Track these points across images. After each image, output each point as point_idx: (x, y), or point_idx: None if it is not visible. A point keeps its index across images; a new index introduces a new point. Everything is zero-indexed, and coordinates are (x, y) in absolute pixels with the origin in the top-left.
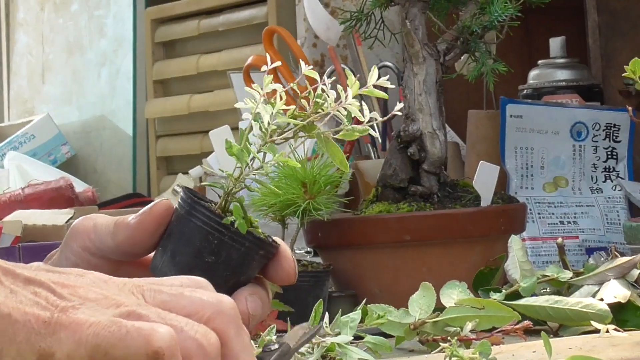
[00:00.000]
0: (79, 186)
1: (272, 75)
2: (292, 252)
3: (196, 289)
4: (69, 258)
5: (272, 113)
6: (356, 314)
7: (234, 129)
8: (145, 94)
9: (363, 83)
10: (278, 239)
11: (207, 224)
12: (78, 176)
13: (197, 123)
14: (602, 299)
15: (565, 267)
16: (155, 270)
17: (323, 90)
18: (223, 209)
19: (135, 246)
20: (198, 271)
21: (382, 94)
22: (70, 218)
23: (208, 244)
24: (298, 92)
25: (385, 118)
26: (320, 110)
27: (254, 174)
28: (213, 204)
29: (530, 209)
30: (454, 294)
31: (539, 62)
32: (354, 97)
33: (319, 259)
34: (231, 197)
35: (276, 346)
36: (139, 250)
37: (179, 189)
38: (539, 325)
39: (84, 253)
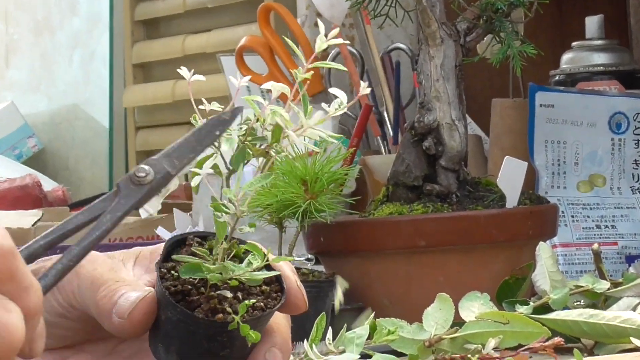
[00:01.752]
0: (48, 184)
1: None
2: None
3: None
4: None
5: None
6: (363, 329)
7: None
8: (124, 80)
9: (372, 68)
10: (282, 265)
11: (210, 328)
12: (46, 173)
13: (183, 113)
14: None
15: (602, 276)
16: None
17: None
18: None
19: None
20: None
21: (331, 137)
22: (38, 220)
23: (218, 343)
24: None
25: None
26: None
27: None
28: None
29: (562, 211)
30: (475, 307)
31: (573, 44)
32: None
33: (321, 267)
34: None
35: (150, 177)
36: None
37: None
38: (572, 343)
39: (72, 310)
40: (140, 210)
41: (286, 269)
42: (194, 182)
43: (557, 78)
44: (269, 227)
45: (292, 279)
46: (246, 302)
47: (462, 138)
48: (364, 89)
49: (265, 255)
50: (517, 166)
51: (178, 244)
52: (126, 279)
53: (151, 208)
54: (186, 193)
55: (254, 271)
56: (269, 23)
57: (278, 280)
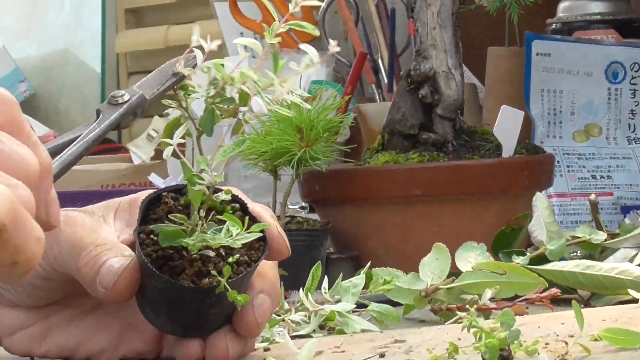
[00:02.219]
0: (39, 129)
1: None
2: (285, 208)
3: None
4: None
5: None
6: (359, 279)
7: None
8: (116, 25)
9: (367, 15)
10: (260, 209)
11: (197, 294)
12: (38, 118)
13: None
14: None
15: (599, 227)
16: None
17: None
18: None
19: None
20: (204, 323)
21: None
22: None
23: (207, 304)
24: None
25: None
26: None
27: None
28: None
29: (558, 161)
30: (471, 257)
31: None
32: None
33: (315, 216)
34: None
35: (126, 97)
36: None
37: (154, 134)
38: (568, 294)
39: (56, 273)
40: (133, 157)
41: (266, 215)
42: (166, 153)
43: (553, 27)
44: (263, 175)
45: (274, 226)
46: (230, 259)
47: (458, 87)
48: (333, 47)
49: (242, 224)
50: (514, 115)
51: (153, 202)
52: (107, 241)
53: (144, 154)
54: None
55: (235, 237)
56: None
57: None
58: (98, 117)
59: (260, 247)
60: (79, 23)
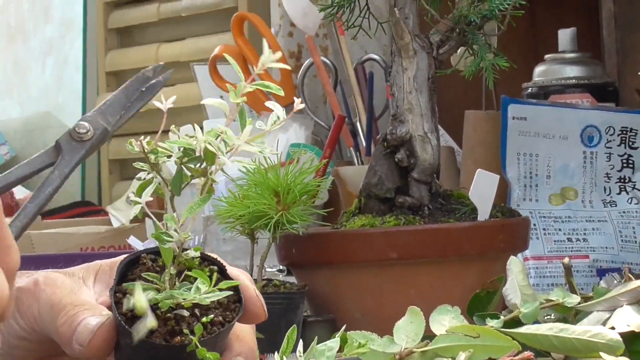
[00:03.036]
0: (19, 192)
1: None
2: (263, 271)
3: None
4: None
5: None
6: (334, 342)
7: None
8: (97, 87)
9: (345, 78)
10: (237, 272)
11: (169, 352)
12: None
13: (155, 122)
14: (613, 328)
15: (573, 290)
16: None
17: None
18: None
19: None
20: None
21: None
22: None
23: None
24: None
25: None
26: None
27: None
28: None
29: (534, 224)
30: (446, 320)
31: (546, 56)
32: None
33: (292, 279)
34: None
35: (89, 133)
36: None
37: (134, 198)
38: (542, 357)
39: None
40: (112, 220)
41: (244, 278)
42: (134, 211)
43: (529, 91)
44: (241, 238)
45: (251, 289)
46: (204, 319)
47: (434, 150)
48: (298, 104)
49: (211, 281)
50: (489, 179)
51: (132, 264)
52: (85, 302)
53: (123, 218)
54: (158, 203)
55: (204, 294)
56: (242, 32)
57: (236, 289)
58: (58, 151)
59: (235, 309)
60: (60, 85)
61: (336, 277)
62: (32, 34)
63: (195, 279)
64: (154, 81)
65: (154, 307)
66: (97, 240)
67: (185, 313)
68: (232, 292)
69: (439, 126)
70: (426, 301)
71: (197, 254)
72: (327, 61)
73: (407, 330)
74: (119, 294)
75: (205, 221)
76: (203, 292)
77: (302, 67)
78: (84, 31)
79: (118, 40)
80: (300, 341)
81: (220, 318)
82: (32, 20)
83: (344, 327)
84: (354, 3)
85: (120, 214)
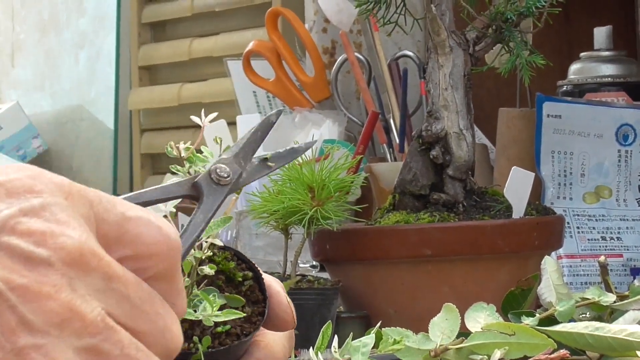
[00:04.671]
0: None
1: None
2: (296, 267)
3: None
4: None
5: None
6: (369, 338)
7: (231, 123)
8: (129, 82)
9: (379, 75)
10: (270, 279)
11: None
12: None
13: (189, 116)
14: None
15: (608, 289)
16: None
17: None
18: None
19: None
20: None
21: None
22: None
23: None
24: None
25: None
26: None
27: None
28: None
29: (568, 222)
30: (481, 318)
31: (581, 54)
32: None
33: (326, 275)
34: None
35: (229, 177)
36: None
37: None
38: (577, 355)
39: None
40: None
41: (275, 285)
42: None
43: (564, 88)
44: (274, 234)
45: (282, 295)
46: (219, 329)
47: (469, 147)
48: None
49: (243, 287)
50: (524, 177)
51: None
52: None
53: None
54: None
55: (209, 315)
56: (276, 28)
57: (263, 301)
58: (196, 189)
59: (257, 322)
60: (93, 78)
61: (370, 273)
62: (65, 27)
63: (227, 283)
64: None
65: None
66: None
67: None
68: (261, 302)
69: (474, 123)
70: (460, 298)
71: (212, 271)
72: (361, 57)
73: (442, 327)
74: None
75: (238, 216)
76: (208, 313)
77: (336, 63)
78: (117, 25)
79: (151, 34)
80: (335, 337)
81: (238, 329)
82: (65, 13)
83: (379, 324)
84: None
85: (153, 208)
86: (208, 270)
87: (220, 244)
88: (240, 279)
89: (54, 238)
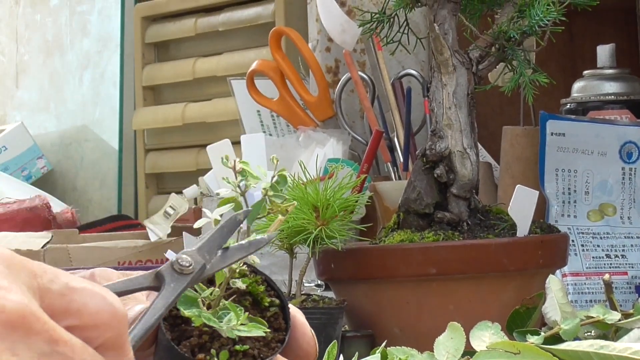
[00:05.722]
0: (57, 206)
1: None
2: (301, 286)
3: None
4: None
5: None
6: (374, 358)
7: (235, 142)
8: (134, 102)
9: (382, 93)
10: (294, 310)
11: None
12: (55, 194)
13: (193, 135)
14: None
15: (613, 307)
16: None
17: None
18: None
19: None
20: None
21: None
22: (47, 242)
23: None
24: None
25: None
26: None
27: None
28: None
29: (572, 240)
30: (486, 336)
31: (585, 72)
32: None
33: (331, 294)
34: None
35: (191, 267)
36: None
37: (171, 212)
38: None
39: None
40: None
41: (300, 317)
42: (198, 224)
43: (568, 106)
44: (279, 253)
45: (307, 328)
46: (237, 347)
47: (473, 166)
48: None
49: (268, 313)
50: (529, 195)
51: None
52: (134, 295)
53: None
54: (195, 217)
55: (234, 328)
56: (280, 47)
57: (285, 330)
58: (158, 279)
59: (275, 348)
60: (97, 99)
61: (375, 292)
62: (69, 49)
63: (253, 306)
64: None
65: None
66: (134, 254)
67: (224, 334)
68: (283, 330)
69: (478, 142)
70: (465, 317)
71: (244, 285)
72: (365, 76)
73: (447, 346)
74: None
75: (242, 236)
76: (232, 324)
77: (340, 82)
78: (121, 46)
79: (155, 54)
80: (341, 356)
81: (256, 352)
82: (69, 35)
83: (384, 343)
84: (392, 18)
85: (157, 227)
86: (240, 284)
87: (258, 261)
88: (266, 304)
89: None
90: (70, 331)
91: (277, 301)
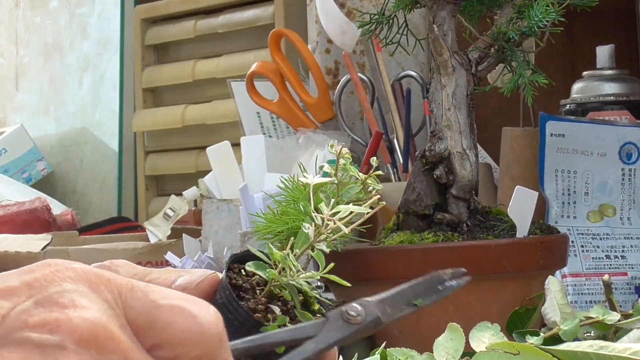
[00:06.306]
0: (57, 208)
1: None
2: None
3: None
4: None
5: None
6: (374, 359)
7: (235, 144)
8: (134, 104)
9: (382, 95)
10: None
11: (244, 321)
12: (55, 196)
13: (193, 137)
14: None
15: (613, 308)
16: None
17: None
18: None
19: None
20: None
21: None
22: (47, 244)
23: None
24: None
25: None
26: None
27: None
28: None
29: (572, 241)
30: (486, 337)
31: (584, 73)
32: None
33: (331, 295)
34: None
35: (360, 317)
36: None
37: (171, 213)
38: None
39: None
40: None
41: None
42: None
43: (567, 107)
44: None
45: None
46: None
47: (473, 167)
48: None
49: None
50: (528, 196)
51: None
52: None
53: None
54: (195, 219)
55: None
56: (279, 49)
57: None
58: (325, 323)
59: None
60: (97, 101)
61: (375, 293)
62: (69, 51)
63: (302, 306)
64: (448, 284)
65: (256, 288)
66: (134, 256)
67: (277, 310)
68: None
69: (477, 143)
70: (464, 318)
71: (316, 294)
72: (364, 78)
73: (447, 347)
74: (234, 264)
75: (243, 237)
76: (310, 287)
77: (339, 84)
78: (121, 48)
79: (155, 56)
80: (341, 358)
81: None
82: (69, 37)
83: (384, 344)
84: (392, 20)
85: (157, 229)
86: (310, 291)
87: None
88: (315, 309)
89: (67, 323)
90: (156, 349)
91: (324, 311)
